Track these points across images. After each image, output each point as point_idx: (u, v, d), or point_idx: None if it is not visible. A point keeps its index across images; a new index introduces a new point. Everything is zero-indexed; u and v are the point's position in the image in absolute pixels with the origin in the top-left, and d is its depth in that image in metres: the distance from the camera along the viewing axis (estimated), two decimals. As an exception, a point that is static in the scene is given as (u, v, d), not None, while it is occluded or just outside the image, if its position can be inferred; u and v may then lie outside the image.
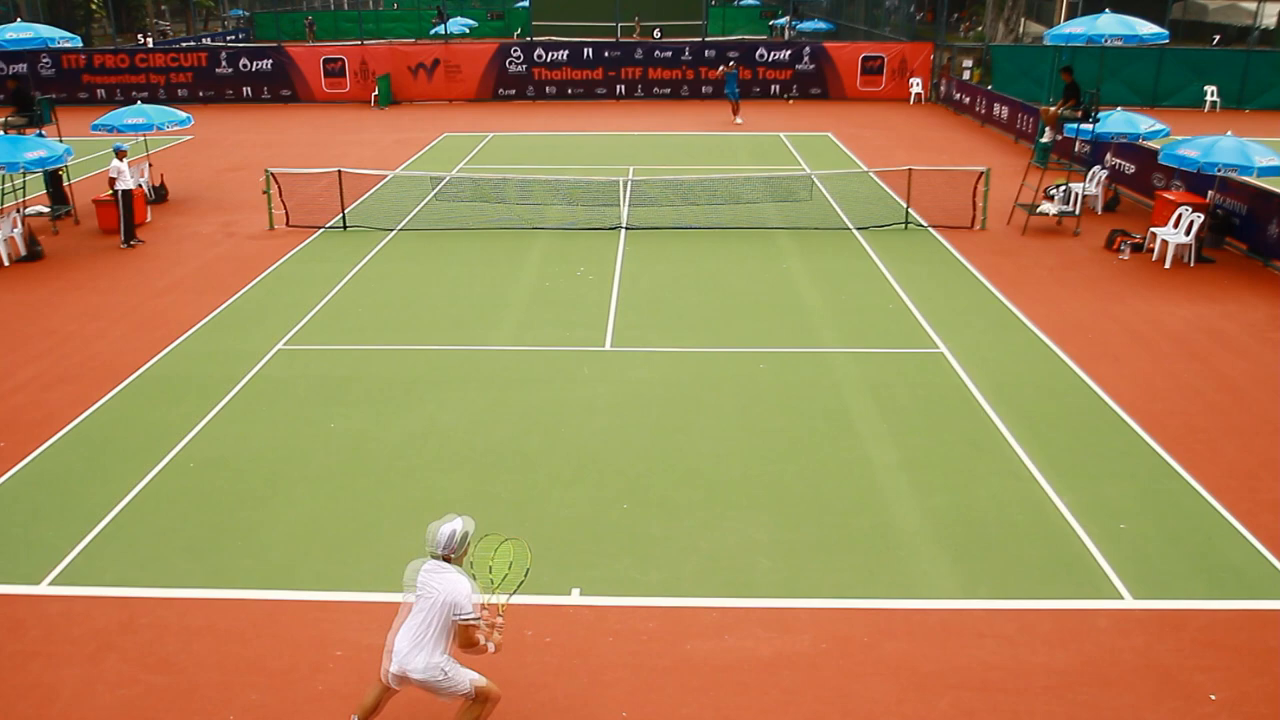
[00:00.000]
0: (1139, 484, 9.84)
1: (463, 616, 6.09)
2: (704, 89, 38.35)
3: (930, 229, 19.19)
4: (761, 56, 38.36)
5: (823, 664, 7.35)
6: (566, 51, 38.49)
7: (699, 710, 6.92)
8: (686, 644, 7.58)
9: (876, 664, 7.34)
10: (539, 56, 38.46)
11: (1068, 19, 34.03)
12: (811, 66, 38.12)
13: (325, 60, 38.70)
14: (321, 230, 19.40)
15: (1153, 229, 17.70)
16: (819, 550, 8.76)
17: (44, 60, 37.89)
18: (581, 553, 8.76)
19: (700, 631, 7.71)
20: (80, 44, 21.57)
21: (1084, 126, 19.44)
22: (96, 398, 11.92)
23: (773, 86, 38.28)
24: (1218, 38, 44.84)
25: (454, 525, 6.26)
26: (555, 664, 7.38)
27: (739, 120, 32.80)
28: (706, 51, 38.54)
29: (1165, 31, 18.49)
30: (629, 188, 21.24)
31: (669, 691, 7.09)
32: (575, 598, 8.13)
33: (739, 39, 46.14)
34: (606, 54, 38.53)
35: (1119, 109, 21.01)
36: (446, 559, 6.24)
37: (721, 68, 35.09)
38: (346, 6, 73.65)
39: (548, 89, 38.44)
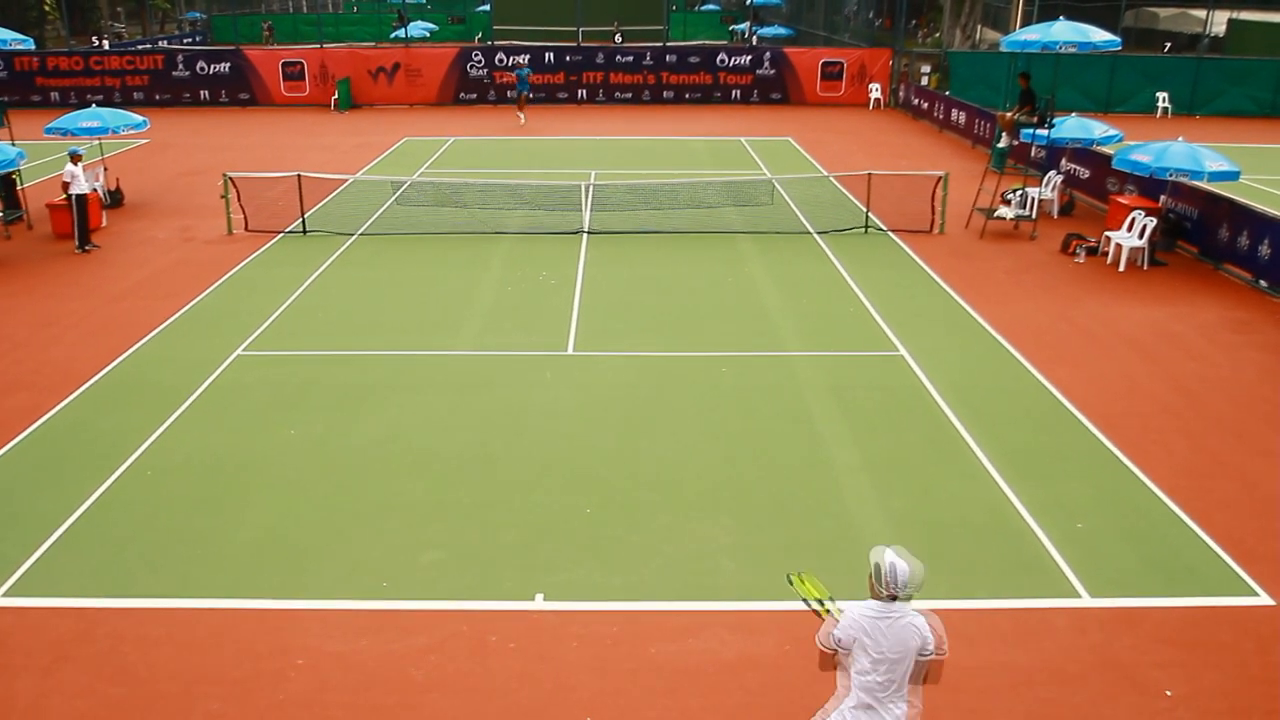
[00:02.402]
0: (1095, 484, 9.99)
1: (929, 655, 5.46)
2: (665, 94, 38.46)
3: (890, 233, 19.37)
4: (722, 62, 38.54)
5: (786, 666, 7.39)
6: (527, 56, 38.45)
7: (663, 713, 6.93)
8: (650, 647, 7.59)
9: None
10: (500, 60, 38.39)
11: (1023, 26, 34.52)
12: (772, 72, 38.35)
13: (284, 63, 38.37)
14: (281, 235, 19.23)
15: (1107, 233, 17.99)
16: (781, 552, 8.81)
17: (-5, 62, 37.27)
18: (544, 557, 8.75)
19: (664, 635, 7.73)
20: (33, 46, 21.26)
21: (1039, 132, 19.73)
22: (51, 405, 11.74)
23: (734, 92, 38.46)
24: (1169, 45, 45.66)
25: (905, 561, 5.52)
26: (519, 669, 7.36)
27: (522, 119, 33.71)
28: (668, 56, 38.66)
29: (1118, 39, 18.80)
30: (591, 192, 21.24)
31: (633, 695, 7.10)
32: (538, 603, 8.12)
33: (700, 44, 46.30)
34: (568, 58, 38.54)
35: (1073, 115, 21.36)
36: (894, 598, 5.50)
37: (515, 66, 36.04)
38: (305, 10, 73.05)
39: (508, 93, 38.37)
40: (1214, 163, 16.19)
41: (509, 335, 13.98)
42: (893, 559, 5.44)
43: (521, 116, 33.64)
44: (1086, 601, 8.15)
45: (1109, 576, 8.47)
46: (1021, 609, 8.05)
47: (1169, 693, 7.13)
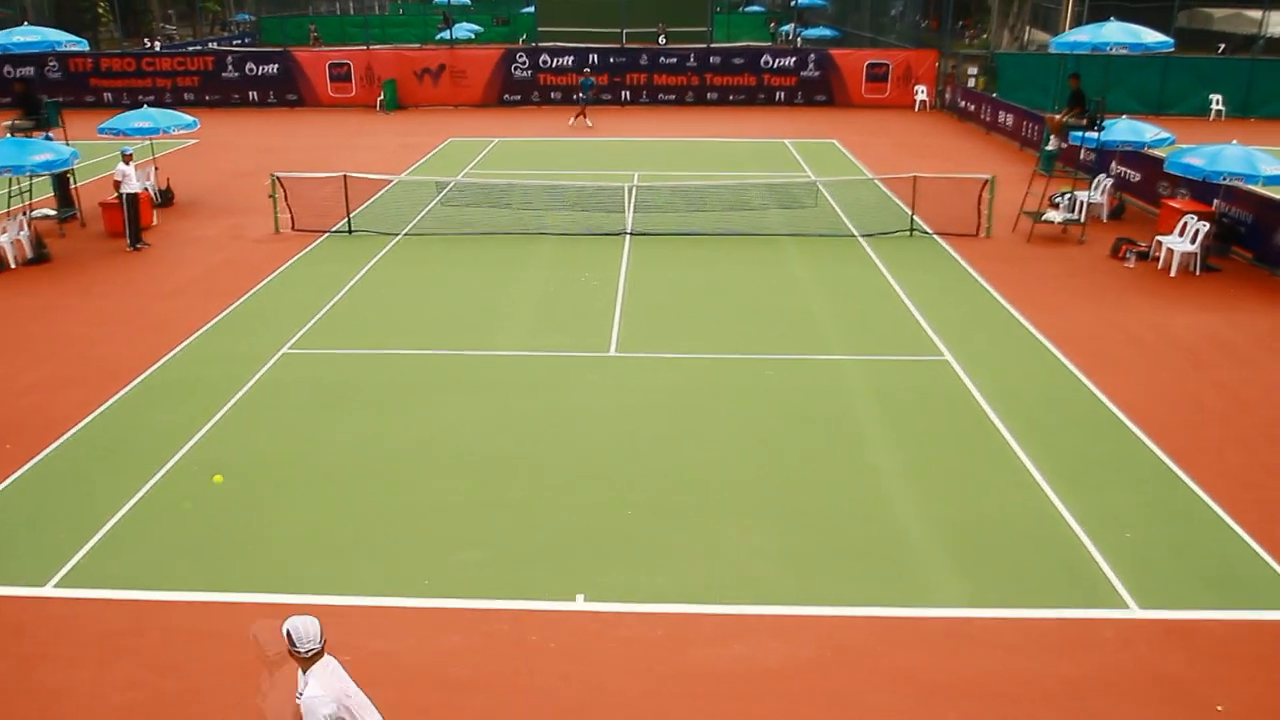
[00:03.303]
0: (1144, 492, 9.83)
1: None
2: (709, 95, 38.37)
3: (935, 236, 19.20)
4: (767, 63, 38.40)
5: (828, 673, 7.34)
6: (572, 57, 38.54)
7: (703, 718, 6.91)
8: (690, 651, 7.57)
9: (882, 673, 7.33)
10: (544, 62, 38.52)
11: (1073, 27, 34.07)
12: (817, 73, 38.14)
13: (331, 65, 38.78)
14: (327, 234, 19.43)
15: (1158, 237, 17.70)
16: (824, 558, 8.76)
17: (51, 64, 38.00)
18: (586, 559, 8.76)
19: (705, 639, 7.71)
20: (87, 47, 21.63)
21: (1089, 134, 19.45)
22: (102, 400, 11.95)
23: (778, 93, 38.31)
24: (1223, 46, 44.83)
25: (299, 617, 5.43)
26: (560, 670, 7.37)
27: (589, 123, 33.60)
28: (712, 58, 38.57)
29: (1170, 40, 18.49)
30: (634, 193, 21.25)
31: (672, 699, 7.09)
32: (579, 604, 8.13)
33: (744, 45, 46.18)
34: (611, 60, 38.59)
35: (1124, 117, 21.03)
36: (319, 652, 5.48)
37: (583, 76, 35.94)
38: (352, 11, 73.78)
39: (553, 94, 38.48)
40: (1270, 166, 15.86)
41: (551, 336, 14.02)
42: (291, 621, 5.40)
43: (588, 120, 33.64)
44: (1135, 613, 8.02)
45: (1158, 588, 8.33)
46: (1068, 619, 7.93)
47: (1220, 708, 6.99)
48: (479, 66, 38.69)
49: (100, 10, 60.46)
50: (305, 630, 5.34)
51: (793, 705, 7.02)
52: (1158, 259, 17.48)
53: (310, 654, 5.36)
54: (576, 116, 34.05)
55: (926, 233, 19.38)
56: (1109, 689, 7.16)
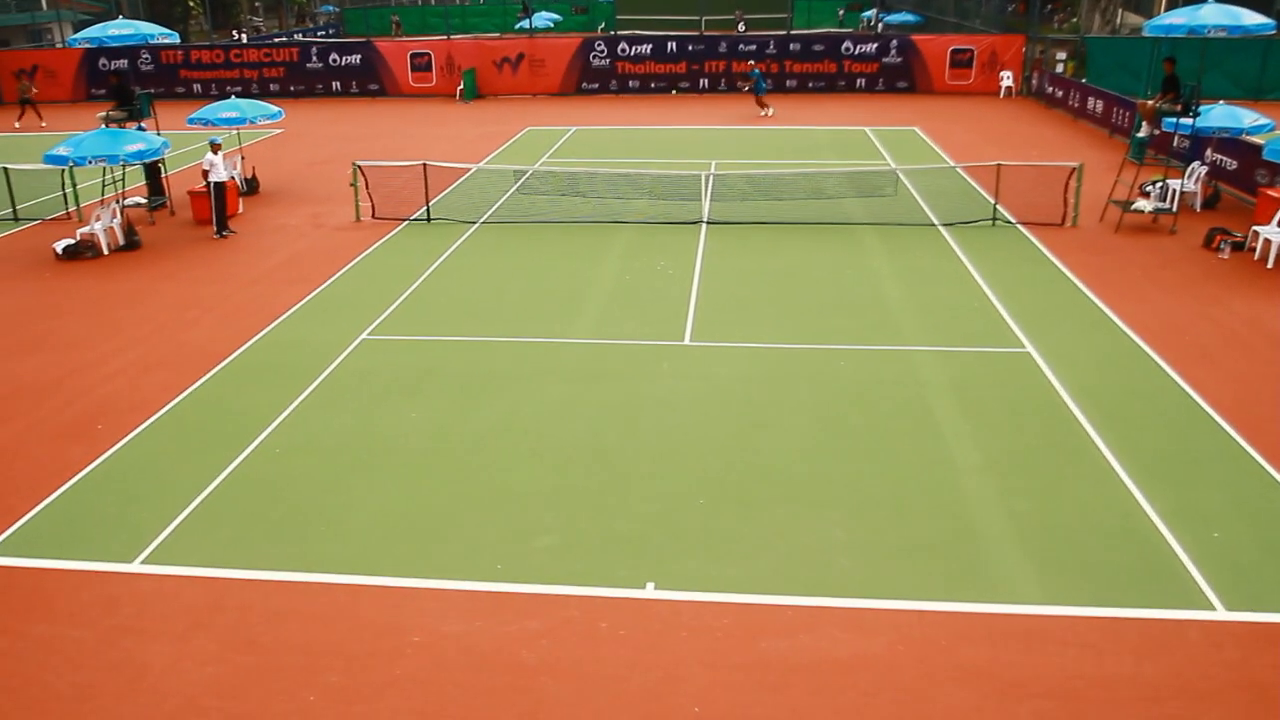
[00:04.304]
0: (1234, 491, 9.49)
1: None
2: (789, 83, 38.01)
3: (1019, 226, 18.76)
4: (848, 49, 37.90)
5: (900, 667, 7.23)
6: (650, 45, 38.52)
7: (772, 709, 6.86)
8: (761, 642, 7.52)
9: (955, 669, 7.20)
10: (622, 50, 38.55)
11: (1168, 9, 32.97)
12: (899, 60, 37.57)
13: (412, 55, 39.31)
14: (406, 222, 19.70)
15: (1255, 227, 17.05)
16: (898, 551, 8.63)
17: (144, 56, 39.16)
18: (657, 547, 8.75)
19: (775, 630, 7.65)
20: (178, 40, 22.24)
21: (1183, 121, 18.81)
22: (189, 383, 12.28)
23: (859, 80, 37.81)
24: (1327, 28, 43.02)
25: None
26: (629, 657, 7.38)
27: (770, 112, 33.12)
28: (791, 45, 38.21)
29: (1272, 22, 17.78)
30: (711, 182, 21.16)
31: (743, 689, 7.05)
32: (650, 591, 8.13)
33: (824, 31, 45.63)
34: (690, 48, 38.46)
35: (1221, 103, 20.28)
36: None
37: (752, 68, 35.31)
38: (434, 2, 74.65)
39: (631, 83, 38.50)
40: (1375, 153, 15.19)
41: (626, 325, 14.03)
42: None
43: (767, 110, 33.28)
44: (1222, 615, 7.75)
45: (1247, 590, 8.03)
46: (1151, 619, 7.70)
47: (1312, 715, 6.73)
48: (557, 55, 38.87)
49: (191, 4, 62.06)
50: None
51: (863, 698, 6.94)
52: (1254, 250, 16.85)
53: None
54: (763, 110, 33.51)
55: (1010, 222, 18.95)
56: (1192, 693, 6.93)
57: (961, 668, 7.21)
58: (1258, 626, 7.61)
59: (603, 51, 38.64)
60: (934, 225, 18.92)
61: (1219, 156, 21.37)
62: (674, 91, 35.32)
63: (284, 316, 14.61)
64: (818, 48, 38.22)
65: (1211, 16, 17.07)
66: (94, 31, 21.83)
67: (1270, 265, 16.22)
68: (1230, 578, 8.16)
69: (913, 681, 7.08)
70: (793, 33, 40.85)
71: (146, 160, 19.08)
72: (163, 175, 21.47)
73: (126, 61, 38.43)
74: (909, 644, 7.45)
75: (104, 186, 19.76)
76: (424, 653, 7.48)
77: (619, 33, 40.82)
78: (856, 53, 37.83)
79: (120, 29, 21.42)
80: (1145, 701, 6.86)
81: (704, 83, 38.46)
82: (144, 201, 21.00)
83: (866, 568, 8.41)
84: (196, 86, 39.39)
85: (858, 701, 6.91)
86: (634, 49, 38.53)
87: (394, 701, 6.98)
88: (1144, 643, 7.44)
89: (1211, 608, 7.82)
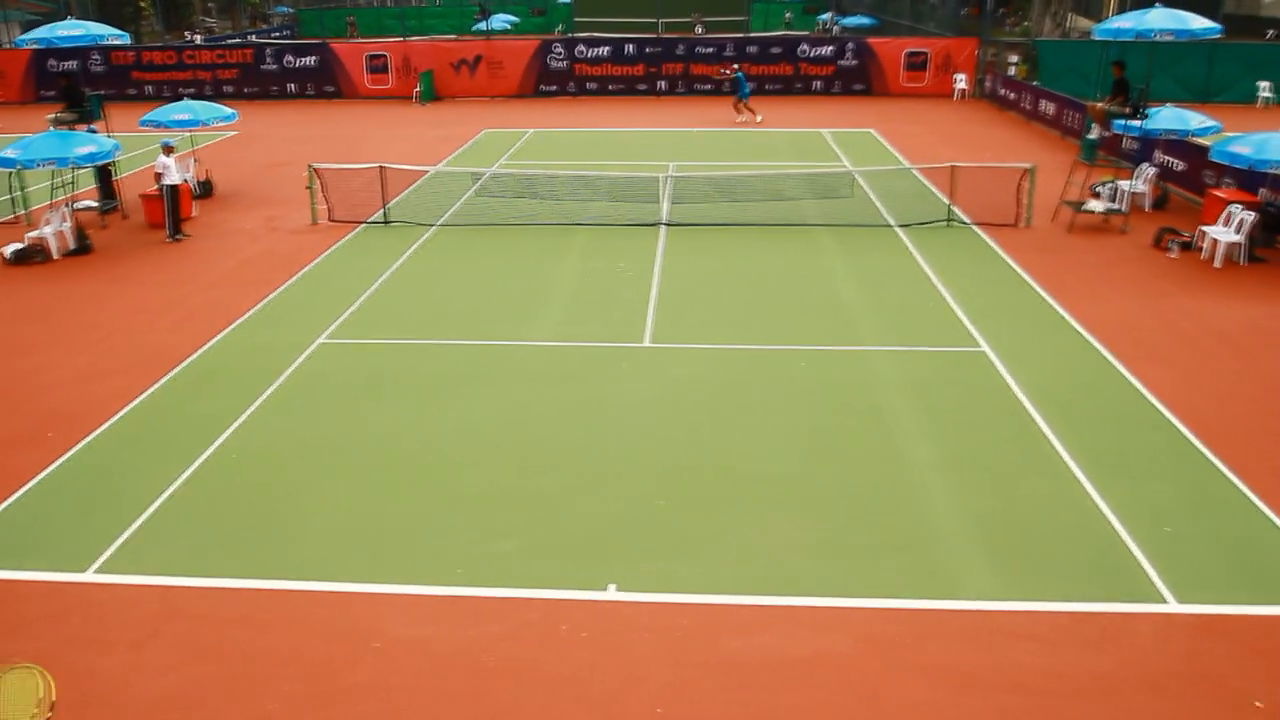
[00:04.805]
0: (1184, 486, 9.67)
1: None
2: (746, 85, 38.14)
3: (973, 226, 18.98)
4: (804, 52, 38.14)
5: (859, 664, 7.29)
6: (608, 47, 38.52)
7: (734, 708, 6.89)
8: (722, 642, 7.55)
9: (913, 665, 7.27)
10: (580, 52, 38.52)
11: (1116, 13, 33.53)
12: (854, 62, 37.85)
13: (368, 56, 39.03)
14: (363, 225, 19.56)
15: (1202, 227, 17.38)
16: (857, 549, 8.70)
17: (94, 57, 38.55)
18: (618, 548, 8.76)
19: (736, 629, 7.69)
20: (129, 41, 21.92)
21: (1133, 123, 19.13)
22: (142, 389, 12.11)
23: (815, 82, 38.05)
24: (1271, 32, 43.94)
25: None
26: (591, 659, 7.38)
27: (759, 118, 32.42)
28: (749, 47, 38.38)
29: (1218, 26, 18.14)
30: (669, 184, 21.21)
31: (704, 689, 7.07)
32: (611, 593, 8.13)
33: (782, 34, 45.89)
34: (648, 50, 38.50)
35: (1169, 105, 20.66)
36: None
37: (728, 70, 35.03)
38: (390, 3, 74.17)
39: (589, 85, 38.48)
40: (1318, 155, 15.52)
41: (586, 326, 14.03)
42: None
43: (754, 116, 32.30)
44: (1174, 607, 7.89)
45: (1198, 582, 8.19)
46: (1105, 613, 7.82)
47: (1259, 704, 6.87)
48: (515, 57, 38.77)
49: (142, 4, 61.19)
50: None
51: (823, 696, 6.99)
52: (1201, 249, 17.18)
53: None
54: (743, 113, 32.53)
55: (965, 223, 19.17)
56: (1145, 684, 7.06)
57: (920, 664, 7.28)
58: (1208, 618, 7.76)
59: (560, 53, 38.59)
60: (890, 226, 19.10)
61: (1167, 158, 21.76)
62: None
63: (240, 320, 14.44)
64: (775, 50, 38.43)
65: (1159, 20, 17.37)
66: (42, 32, 21.43)
67: (1218, 264, 16.55)
68: (1181, 570, 8.32)
69: (872, 678, 7.14)
70: (750, 35, 41.02)
71: (97, 163, 18.81)
72: (114, 178, 21.13)
73: (76, 62, 37.79)
74: (868, 642, 7.52)
75: (54, 190, 19.42)
76: (384, 658, 7.43)
77: (577, 34, 40.79)
78: (813, 55, 38.07)
79: (69, 29, 21.06)
80: (1100, 693, 6.97)
81: (662, 85, 38.53)
82: (95, 205, 20.68)
83: (826, 567, 8.47)
84: (149, 88, 38.83)
85: (818, 699, 6.96)
86: (592, 51, 38.52)
87: (354, 708, 6.93)
88: (1098, 635, 7.56)
89: (1163, 600, 7.97)
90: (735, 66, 35.23)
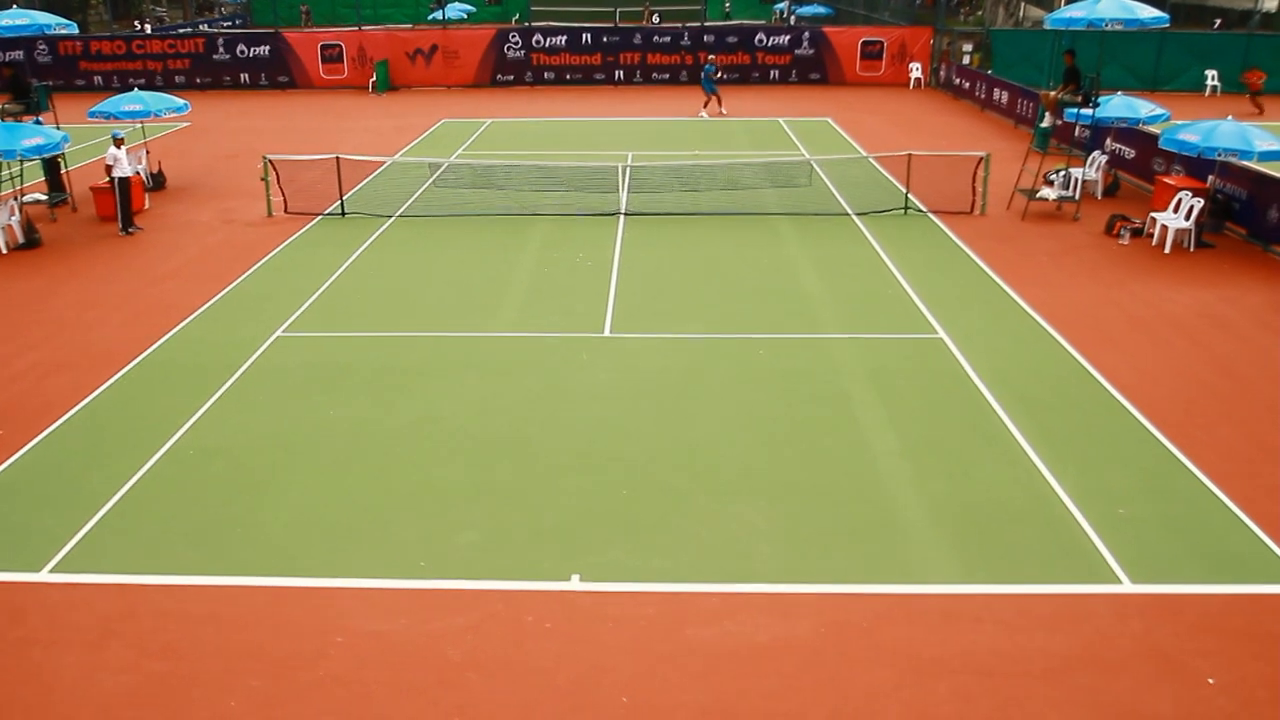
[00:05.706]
0: (1138, 469, 9.85)
1: None
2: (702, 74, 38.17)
3: (930, 214, 19.17)
4: (761, 41, 38.23)
5: (822, 650, 7.37)
6: (565, 37, 38.37)
7: (698, 696, 6.94)
8: (686, 630, 7.60)
9: (875, 649, 7.36)
10: (537, 42, 38.34)
11: (1068, 3, 33.90)
12: (811, 51, 38.00)
13: (323, 46, 38.58)
14: (320, 217, 19.37)
15: (1153, 214, 17.67)
16: (818, 536, 8.78)
17: (40, 47, 37.77)
18: (581, 539, 8.77)
19: (700, 618, 7.73)
20: (77, 30, 21.51)
21: (1084, 111, 19.39)
22: (95, 385, 11.92)
23: (772, 72, 38.16)
24: (1219, 21, 44.67)
25: None
26: (556, 650, 7.40)
27: (724, 111, 31.95)
28: (705, 36, 38.40)
29: (1166, 15, 18.42)
30: (628, 173, 21.20)
31: (668, 677, 7.11)
32: (575, 584, 8.15)
33: (738, 24, 45.94)
34: (605, 39, 38.41)
35: (1119, 93, 20.95)
36: None
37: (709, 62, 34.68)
38: (344, -8, 73.24)
39: (546, 74, 38.33)
40: (1264, 142, 15.81)
41: (546, 317, 14.00)
42: None
43: (721, 109, 31.47)
44: (1128, 588, 8.05)
45: (1151, 563, 8.36)
46: (1061, 595, 7.96)
47: (1211, 681, 7.03)
48: (472, 47, 38.51)
49: (89, -8, 60.04)
50: None
51: (787, 682, 7.05)
52: (1152, 236, 17.47)
53: None
54: (709, 106, 31.61)
55: (921, 211, 19.34)
56: (1101, 663, 7.19)
57: (881, 648, 7.37)
58: (1162, 598, 7.92)
59: (517, 43, 38.38)
60: (848, 214, 19.23)
61: (1118, 146, 22.08)
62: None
63: (194, 315, 14.26)
64: (731, 39, 38.48)
65: (1109, 10, 17.60)
66: (-14, 22, 20.97)
67: (1167, 250, 16.83)
68: (1135, 552, 8.48)
69: (835, 663, 7.22)
70: (706, 24, 41.05)
71: (45, 155, 18.44)
72: (63, 171, 20.75)
73: (22, 53, 37.00)
74: (830, 627, 7.60)
75: (0, 183, 19.03)
76: (347, 653, 7.39)
77: (533, 24, 40.58)
78: (770, 45, 38.17)
79: (14, 19, 20.58)
80: (1057, 673, 7.10)
81: (619, 75, 38.46)
82: (44, 198, 20.28)
83: (787, 553, 8.54)
84: (97, 79, 38.11)
85: (782, 685, 7.03)
86: (549, 40, 38.35)
87: (318, 703, 6.89)
88: (1054, 617, 7.69)
89: (1118, 581, 8.12)
90: (712, 57, 34.80)
